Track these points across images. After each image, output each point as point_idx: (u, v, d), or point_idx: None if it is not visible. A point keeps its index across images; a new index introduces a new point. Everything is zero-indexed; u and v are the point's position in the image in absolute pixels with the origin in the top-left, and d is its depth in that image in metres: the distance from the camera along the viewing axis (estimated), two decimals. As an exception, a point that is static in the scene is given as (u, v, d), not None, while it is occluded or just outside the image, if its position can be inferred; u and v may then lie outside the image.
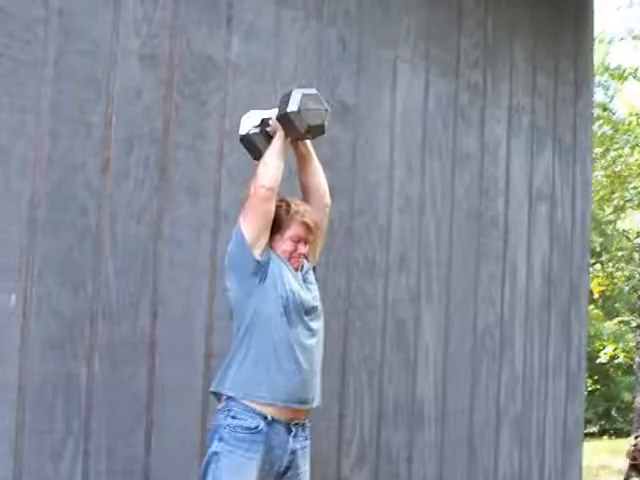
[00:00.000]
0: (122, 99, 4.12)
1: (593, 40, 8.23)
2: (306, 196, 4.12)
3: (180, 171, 4.33)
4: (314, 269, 4.15)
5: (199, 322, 4.37)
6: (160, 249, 4.23)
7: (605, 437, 27.13)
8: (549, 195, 7.31)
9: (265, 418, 3.75)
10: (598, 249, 19.56)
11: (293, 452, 3.84)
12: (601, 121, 18.70)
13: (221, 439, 3.73)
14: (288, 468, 3.85)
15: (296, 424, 3.85)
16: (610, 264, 19.88)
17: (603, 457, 14.82)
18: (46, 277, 3.83)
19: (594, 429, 30.92)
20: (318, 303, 4.01)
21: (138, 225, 4.15)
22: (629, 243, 19.97)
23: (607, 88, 22.73)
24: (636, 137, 18.47)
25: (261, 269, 3.83)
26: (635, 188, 18.08)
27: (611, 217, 21.51)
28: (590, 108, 8.23)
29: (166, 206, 4.25)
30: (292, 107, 3.92)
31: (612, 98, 23.03)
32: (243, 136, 4.08)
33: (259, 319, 3.80)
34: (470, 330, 6.29)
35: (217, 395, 3.85)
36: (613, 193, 18.50)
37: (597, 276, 19.95)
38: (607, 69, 19.78)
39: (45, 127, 3.84)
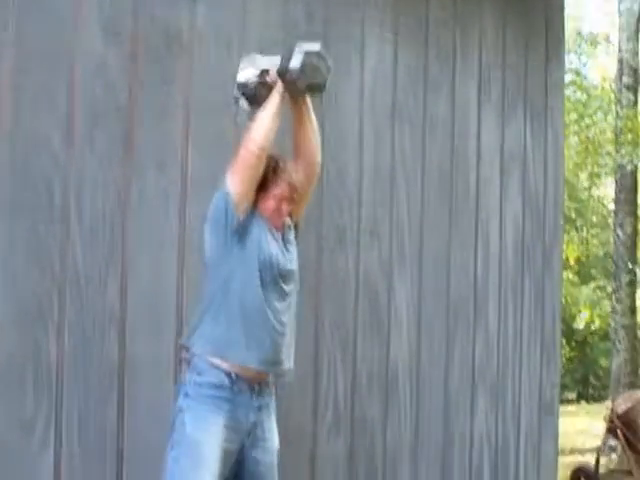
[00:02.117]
0: (86, 73, 4.08)
1: (565, 5, 8.18)
2: (297, 153, 4.07)
3: (146, 143, 4.29)
4: (297, 226, 4.13)
5: (169, 295, 4.35)
6: (128, 223, 4.20)
7: (583, 402, 27.25)
8: (521, 160, 7.28)
9: (230, 375, 3.75)
10: (573, 216, 19.60)
11: (258, 409, 3.86)
12: (574, 87, 18.71)
13: (187, 395, 3.75)
14: (255, 425, 3.86)
15: (259, 382, 3.86)
16: (585, 230, 19.95)
17: (581, 422, 14.87)
18: (13, 252, 3.80)
19: (572, 395, 31.13)
20: (294, 267, 4.01)
21: (105, 199, 4.12)
22: (604, 209, 20.03)
23: (580, 54, 22.76)
24: (609, 102, 18.50)
25: (242, 229, 3.81)
26: (609, 154, 18.10)
27: (586, 184, 21.58)
28: (561, 72, 8.20)
29: (133, 179, 4.22)
30: (294, 64, 3.86)
31: (585, 64, 23.06)
32: (241, 83, 4.01)
33: (234, 280, 3.80)
34: (443, 298, 6.28)
35: (187, 349, 3.85)
36: (587, 159, 18.55)
37: (572, 242, 20.05)
38: (580, 35, 19.78)
39: (7, 102, 3.80)
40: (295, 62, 3.87)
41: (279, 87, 3.92)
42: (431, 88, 6.18)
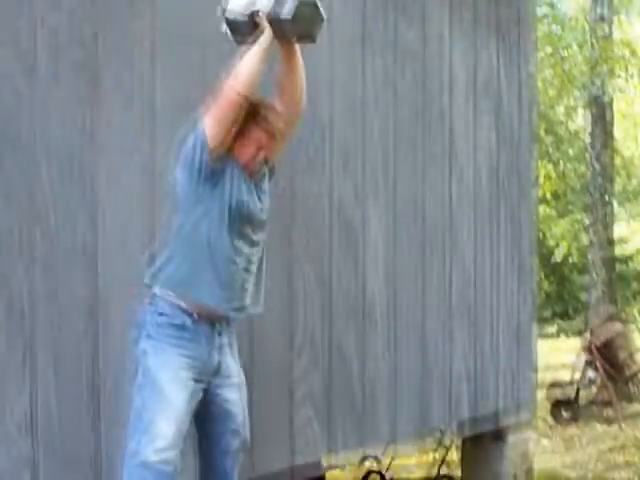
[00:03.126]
0: (48, 6, 3.98)
1: None
2: (280, 94, 4.03)
3: (111, 75, 4.19)
4: (272, 169, 4.11)
5: (140, 230, 4.29)
6: (96, 158, 4.12)
7: (563, 336, 27.43)
8: (494, 91, 7.24)
9: (191, 316, 3.75)
10: (550, 150, 19.56)
11: (221, 348, 3.89)
12: (548, 20, 18.61)
13: (149, 336, 3.76)
14: (219, 364, 3.88)
15: (221, 322, 3.88)
16: (561, 164, 19.93)
17: (562, 356, 14.98)
18: (-21, 190, 3.75)
19: (552, 329, 31.33)
20: (265, 216, 3.99)
21: (71, 133, 4.04)
22: (580, 142, 20.00)
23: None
24: (584, 34, 18.41)
25: (215, 174, 3.79)
26: (584, 86, 18.03)
27: (562, 118, 21.52)
28: (533, 3, 8.14)
29: (99, 112, 4.13)
30: (286, 14, 3.77)
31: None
32: (229, 20, 3.94)
33: (203, 224, 3.78)
34: (419, 229, 6.26)
35: (149, 287, 3.83)
36: (563, 92, 18.48)
37: (549, 176, 20.01)
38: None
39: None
40: (287, 12, 3.77)
41: (268, 32, 3.84)
42: (402, 18, 6.09)
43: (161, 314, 3.77)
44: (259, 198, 3.97)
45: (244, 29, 3.93)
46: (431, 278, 6.41)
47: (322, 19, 3.91)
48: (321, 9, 3.90)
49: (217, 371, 3.90)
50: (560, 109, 20.45)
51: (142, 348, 3.77)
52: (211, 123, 3.74)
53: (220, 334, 3.88)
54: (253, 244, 3.93)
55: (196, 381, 3.80)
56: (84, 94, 4.08)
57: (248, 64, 3.77)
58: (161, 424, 3.65)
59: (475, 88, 6.96)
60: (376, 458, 7.47)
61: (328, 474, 7.57)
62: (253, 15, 3.87)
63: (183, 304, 3.77)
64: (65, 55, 4.02)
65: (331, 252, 5.44)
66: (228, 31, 4.00)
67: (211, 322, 3.84)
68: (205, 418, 3.95)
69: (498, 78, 7.29)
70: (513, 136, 7.56)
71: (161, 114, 4.38)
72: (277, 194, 4.61)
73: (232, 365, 4.00)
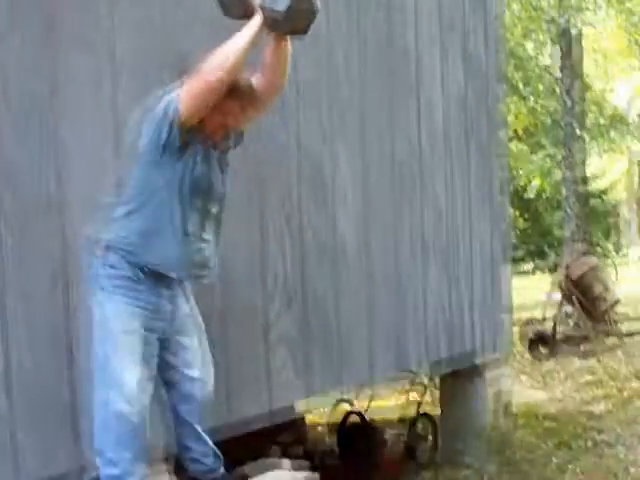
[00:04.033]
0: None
1: None
2: (263, 73, 3.98)
3: (69, 21, 4.11)
4: (241, 133, 4.10)
5: (106, 177, 4.22)
6: (58, 105, 4.05)
7: (539, 273, 27.57)
8: (460, 25, 7.18)
9: (142, 269, 3.78)
10: (520, 86, 19.47)
11: (173, 297, 3.92)
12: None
13: (102, 288, 3.77)
14: (172, 312, 3.91)
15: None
16: (532, 99, 19.88)
17: (538, 293, 15.02)
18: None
19: (528, 266, 31.50)
20: (224, 189, 3.98)
21: (32, 81, 3.96)
22: (551, 77, 19.94)
23: None
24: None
25: (180, 146, 3.75)
26: (553, 20, 17.94)
27: (532, 53, 21.42)
28: None
29: (59, 59, 4.05)
30: (280, 6, 3.68)
31: None
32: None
33: (162, 190, 3.77)
34: (388, 167, 6.23)
35: (101, 239, 3.80)
36: (532, 26, 18.41)
37: (520, 112, 19.99)
38: None
39: None
40: (281, 4, 3.67)
41: (258, 19, 3.76)
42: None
43: (112, 266, 3.77)
44: (221, 170, 3.97)
45: (235, 11, 3.85)
46: (402, 217, 6.39)
47: (315, 12, 3.79)
48: (317, 2, 3.78)
49: (171, 319, 3.93)
50: (529, 45, 20.34)
51: (97, 301, 3.78)
52: (187, 101, 3.68)
53: (171, 286, 3.91)
54: (209, 216, 3.94)
55: (151, 330, 3.83)
56: (42, 40, 3.99)
57: (233, 50, 3.70)
58: (125, 375, 3.69)
59: (441, 25, 6.89)
60: (349, 401, 7.53)
61: (307, 418, 7.64)
62: None
63: (133, 260, 3.77)
64: (20, 1, 3.93)
65: (300, 193, 5.39)
66: (218, 5, 3.92)
67: (162, 276, 3.85)
68: (163, 366, 3.98)
69: (464, 14, 7.23)
70: (481, 73, 7.52)
71: (122, 59, 4.30)
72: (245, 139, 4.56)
73: (187, 312, 4.03)
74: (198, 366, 4.04)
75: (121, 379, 3.68)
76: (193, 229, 3.84)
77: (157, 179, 3.76)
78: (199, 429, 4.09)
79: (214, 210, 3.94)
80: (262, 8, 3.74)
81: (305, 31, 3.87)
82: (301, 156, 5.42)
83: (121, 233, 3.77)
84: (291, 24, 3.76)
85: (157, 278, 3.82)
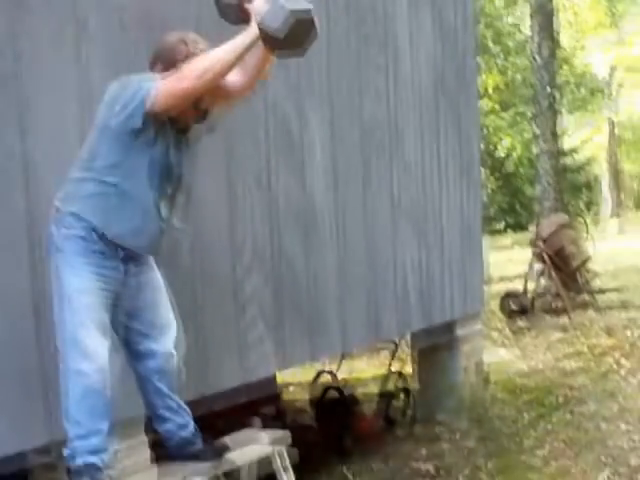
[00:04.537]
0: None
1: None
2: (242, 73, 3.95)
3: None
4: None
5: (73, 137, 4.15)
6: (21, 65, 3.97)
7: (510, 232, 27.73)
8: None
9: (96, 230, 3.75)
10: (490, 44, 19.47)
11: (131, 258, 3.88)
12: None
13: (58, 250, 3.76)
14: (126, 272, 3.88)
15: None
16: (503, 57, 19.88)
17: (509, 251, 15.11)
18: None
19: (500, 226, 31.65)
20: (186, 172, 3.96)
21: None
22: (521, 35, 19.94)
23: None
24: None
25: (148, 131, 3.73)
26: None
27: (510, 28, 21.48)
28: None
29: (20, 17, 3.97)
30: (276, 27, 3.58)
31: None
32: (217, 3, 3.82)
33: (128, 169, 3.76)
34: (357, 126, 6.17)
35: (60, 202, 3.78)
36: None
37: (491, 71, 19.96)
38: None
39: None
40: (278, 27, 3.57)
41: (253, 33, 3.69)
42: None
43: (68, 227, 3.74)
44: (186, 152, 3.94)
45: (232, 17, 3.80)
46: (372, 176, 6.34)
47: (314, 35, 3.70)
48: (316, 25, 3.68)
49: (127, 279, 3.90)
50: (508, 19, 20.38)
51: (54, 263, 3.76)
52: (164, 98, 3.65)
53: (129, 252, 3.87)
54: (170, 197, 3.92)
55: (107, 290, 3.80)
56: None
57: (221, 63, 3.68)
58: (83, 334, 3.68)
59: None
60: (331, 373, 7.53)
61: (285, 392, 7.65)
62: (242, 2, 3.74)
63: (93, 230, 3.76)
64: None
65: (269, 153, 5.33)
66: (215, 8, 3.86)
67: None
68: (130, 336, 3.99)
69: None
70: (457, 46, 7.48)
71: (85, 19, 4.22)
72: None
73: (149, 278, 4.02)
74: (164, 334, 4.04)
75: (80, 338, 3.67)
76: (154, 208, 3.84)
77: (126, 159, 3.74)
78: (164, 388, 4.06)
79: (175, 192, 3.95)
80: (260, 26, 3.64)
81: (302, 53, 3.80)
82: (269, 114, 5.36)
83: (88, 206, 3.74)
84: (287, 46, 3.69)
85: (114, 245, 3.80)
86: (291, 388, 8.57)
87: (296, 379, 8.66)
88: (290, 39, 3.64)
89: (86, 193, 3.74)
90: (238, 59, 3.71)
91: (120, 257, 3.82)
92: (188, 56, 3.77)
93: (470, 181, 7.70)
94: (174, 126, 3.84)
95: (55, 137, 4.08)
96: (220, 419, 5.37)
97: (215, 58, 3.68)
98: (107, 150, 3.75)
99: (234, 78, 3.94)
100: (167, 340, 4.04)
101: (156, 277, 4.05)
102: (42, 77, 4.04)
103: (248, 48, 3.71)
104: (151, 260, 4.03)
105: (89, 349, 3.68)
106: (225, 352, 5.05)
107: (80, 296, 3.70)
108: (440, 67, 7.24)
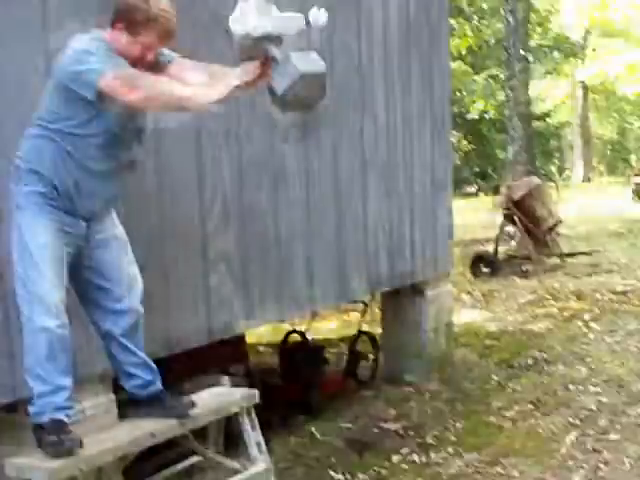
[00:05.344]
0: None
1: None
2: (208, 75, 3.84)
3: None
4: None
5: (35, 94, 4.06)
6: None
7: (482, 195, 27.75)
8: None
9: (55, 187, 3.72)
10: (464, 5, 19.41)
11: (88, 211, 3.83)
12: None
13: (18, 207, 3.73)
14: (88, 227, 3.85)
15: None
16: (476, 18, 19.82)
17: (481, 214, 15.12)
18: None
19: (472, 189, 31.73)
20: (143, 125, 3.92)
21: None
22: (495, -4, 19.90)
23: None
24: None
25: (103, 98, 3.65)
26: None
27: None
28: None
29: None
30: (284, 92, 3.42)
31: None
32: (238, 33, 3.60)
33: (84, 127, 3.69)
34: (327, 80, 6.08)
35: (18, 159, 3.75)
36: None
37: (464, 32, 19.90)
38: None
39: None
40: (286, 88, 3.41)
41: (232, 84, 3.60)
42: None
43: (27, 184, 3.70)
44: (140, 119, 3.88)
45: (246, 55, 3.57)
46: (342, 131, 6.29)
47: (322, 95, 3.56)
48: (325, 83, 3.53)
49: (87, 235, 3.86)
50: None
51: (15, 220, 3.72)
52: (107, 92, 3.58)
53: (87, 207, 3.83)
54: (122, 159, 3.87)
55: (70, 247, 3.77)
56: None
57: (180, 101, 3.65)
58: (45, 289, 3.65)
59: None
60: (301, 333, 7.50)
61: (254, 352, 7.63)
62: (262, 42, 3.52)
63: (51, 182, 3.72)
64: None
65: (237, 105, 5.25)
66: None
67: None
68: (88, 290, 3.94)
69: None
70: (430, 3, 7.40)
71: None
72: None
73: (111, 230, 3.96)
74: (129, 291, 3.99)
75: (42, 294, 3.64)
76: (111, 165, 3.81)
77: (82, 118, 3.67)
78: (130, 345, 4.03)
79: (127, 152, 3.89)
80: (270, 89, 3.51)
81: (308, 111, 3.69)
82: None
83: (44, 163, 3.69)
84: (293, 107, 3.61)
85: (75, 201, 3.76)
86: (261, 348, 8.55)
87: (265, 340, 8.66)
88: (296, 102, 3.52)
89: (44, 150, 3.69)
90: (199, 109, 3.71)
91: (81, 213, 3.77)
92: (149, 18, 3.69)
93: (440, 141, 7.66)
94: None
95: (16, 93, 4.01)
96: (188, 378, 5.35)
97: (179, 95, 3.63)
98: (64, 109, 3.69)
99: (197, 79, 3.83)
100: (132, 297, 3.99)
101: (120, 233, 4.00)
102: (4, 32, 3.97)
103: (226, 95, 3.63)
104: (114, 216, 3.98)
105: (52, 305, 3.64)
106: (192, 310, 5.01)
107: (42, 252, 3.66)
108: (412, 25, 7.16)
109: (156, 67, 3.83)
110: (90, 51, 3.61)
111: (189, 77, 3.82)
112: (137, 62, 3.73)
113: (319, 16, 3.58)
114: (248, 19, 3.50)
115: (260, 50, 3.53)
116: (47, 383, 3.66)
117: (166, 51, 3.89)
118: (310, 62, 3.51)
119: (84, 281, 3.90)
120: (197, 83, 3.78)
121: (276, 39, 3.53)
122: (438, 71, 7.62)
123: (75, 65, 3.60)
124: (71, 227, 3.75)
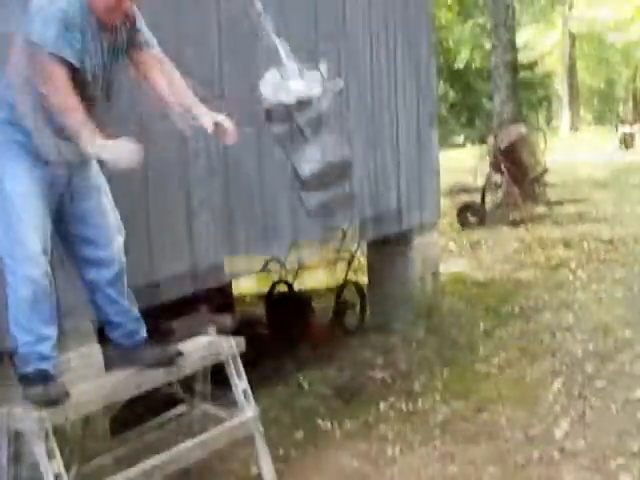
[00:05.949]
0: None
1: None
2: (143, 77, 3.95)
3: None
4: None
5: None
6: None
7: (469, 145, 27.67)
8: None
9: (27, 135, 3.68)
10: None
11: (72, 160, 3.79)
12: None
13: None
14: (68, 178, 3.82)
15: None
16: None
17: (468, 163, 15.04)
18: None
19: (459, 139, 31.66)
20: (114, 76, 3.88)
21: None
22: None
23: None
24: None
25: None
26: None
27: None
28: None
29: None
30: (309, 178, 3.46)
31: None
32: (271, 104, 3.67)
33: None
34: (312, 33, 6.05)
35: None
36: None
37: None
38: None
39: None
40: (309, 175, 3.46)
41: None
42: None
43: (4, 134, 3.67)
44: (115, 56, 3.83)
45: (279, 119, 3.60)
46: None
47: (347, 180, 3.61)
48: (350, 171, 3.56)
49: (73, 187, 3.85)
50: None
51: None
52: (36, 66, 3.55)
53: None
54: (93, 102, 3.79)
55: (52, 195, 3.75)
56: None
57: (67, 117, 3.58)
58: (28, 239, 3.63)
59: None
60: (287, 283, 7.48)
61: (235, 285, 7.60)
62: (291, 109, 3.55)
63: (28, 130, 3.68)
64: None
65: (221, 59, 5.20)
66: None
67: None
68: (70, 239, 3.94)
69: None
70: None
71: None
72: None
73: (93, 178, 3.95)
74: (112, 239, 3.98)
75: (25, 243, 3.63)
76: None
77: None
78: (115, 294, 4.02)
79: (98, 97, 3.83)
80: (294, 170, 3.58)
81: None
82: (221, 17, 5.25)
83: (13, 113, 3.65)
84: (318, 188, 3.59)
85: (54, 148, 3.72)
86: (247, 299, 8.54)
87: (252, 291, 8.64)
88: (319, 184, 3.53)
89: (7, 95, 3.65)
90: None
91: (61, 161, 3.73)
92: None
93: (423, 83, 7.61)
94: (98, 34, 3.71)
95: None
96: (173, 326, 5.34)
97: (70, 123, 3.58)
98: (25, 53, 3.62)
99: (158, 82, 3.91)
100: (115, 246, 3.98)
101: (101, 181, 3.98)
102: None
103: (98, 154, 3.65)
104: (95, 164, 3.94)
105: (35, 254, 3.63)
106: (172, 244, 5.00)
107: (23, 201, 3.64)
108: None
109: (134, 45, 3.85)
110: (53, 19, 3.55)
111: (153, 76, 3.89)
112: (113, 10, 3.68)
113: (337, 83, 3.76)
114: (282, 86, 3.52)
115: (287, 116, 3.53)
116: (32, 333, 3.66)
117: (148, 34, 3.86)
118: (338, 148, 3.54)
119: (67, 230, 3.88)
120: (158, 86, 3.89)
121: (304, 105, 3.53)
122: (422, 20, 7.57)
123: (35, 22, 3.55)
124: (52, 176, 3.71)
